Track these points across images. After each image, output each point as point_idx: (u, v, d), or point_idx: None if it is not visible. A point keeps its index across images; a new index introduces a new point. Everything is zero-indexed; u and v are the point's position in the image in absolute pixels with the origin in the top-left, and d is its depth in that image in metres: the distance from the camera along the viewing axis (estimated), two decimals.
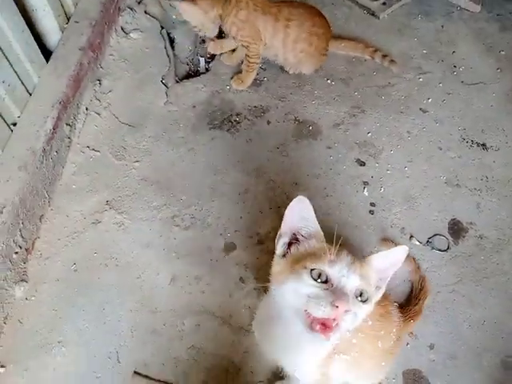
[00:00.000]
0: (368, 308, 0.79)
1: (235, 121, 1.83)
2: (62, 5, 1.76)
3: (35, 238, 1.49)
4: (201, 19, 1.78)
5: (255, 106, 1.88)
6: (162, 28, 2.08)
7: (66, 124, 1.64)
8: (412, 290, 1.39)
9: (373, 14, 2.26)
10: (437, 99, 1.93)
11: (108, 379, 1.28)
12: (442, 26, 2.22)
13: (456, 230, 1.58)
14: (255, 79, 1.94)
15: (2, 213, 1.32)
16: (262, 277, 1.37)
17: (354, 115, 1.87)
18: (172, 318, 1.38)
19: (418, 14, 2.27)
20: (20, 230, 1.40)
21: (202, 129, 1.80)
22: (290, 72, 1.93)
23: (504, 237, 1.57)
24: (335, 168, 1.72)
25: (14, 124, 1.51)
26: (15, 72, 1.50)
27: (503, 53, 2.10)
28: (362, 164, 1.73)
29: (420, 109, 1.90)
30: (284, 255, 0.86)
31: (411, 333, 1.35)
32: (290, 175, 1.69)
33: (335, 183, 1.68)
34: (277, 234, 0.88)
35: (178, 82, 1.95)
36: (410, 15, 2.27)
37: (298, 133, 1.81)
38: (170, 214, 1.58)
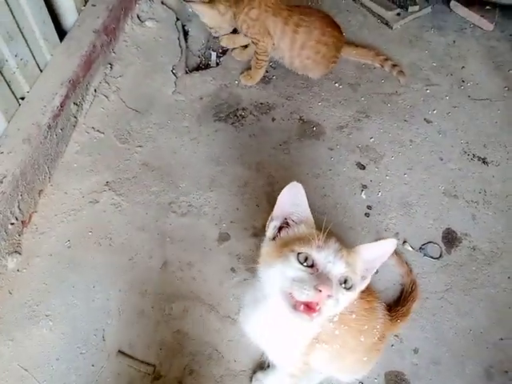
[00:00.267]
0: (351, 296, 0.80)
1: (240, 115, 1.85)
2: None
3: (32, 212, 1.51)
4: (218, 21, 1.82)
5: (262, 103, 1.90)
6: (177, 19, 2.11)
7: (74, 103, 1.66)
8: (402, 293, 1.40)
9: (386, 24, 2.29)
10: (442, 111, 1.95)
11: (92, 356, 1.29)
12: (454, 41, 2.24)
13: (450, 239, 1.58)
14: (264, 76, 1.96)
15: (2, 182, 1.34)
16: (253, 269, 1.38)
17: (358, 119, 1.88)
18: (160, 302, 1.39)
19: (431, 27, 2.30)
20: (18, 202, 1.42)
21: (207, 120, 1.82)
22: (299, 73, 1.96)
23: (497, 250, 1.57)
24: (335, 169, 1.73)
25: (23, 98, 1.53)
26: (29, 48, 1.53)
27: None
28: (362, 167, 1.74)
29: (424, 119, 1.92)
30: (274, 238, 0.87)
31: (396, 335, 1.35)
32: (289, 172, 1.70)
33: (334, 184, 1.69)
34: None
35: (187, 72, 1.97)
36: (423, 28, 2.29)
37: (301, 132, 1.83)
38: (167, 199, 1.59)
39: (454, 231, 1.61)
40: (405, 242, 1.56)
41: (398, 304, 1.33)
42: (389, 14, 2.30)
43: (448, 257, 1.54)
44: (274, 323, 0.89)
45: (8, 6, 1.39)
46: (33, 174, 1.47)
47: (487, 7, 2.34)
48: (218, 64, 2.04)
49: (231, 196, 1.63)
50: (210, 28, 1.86)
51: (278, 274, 0.80)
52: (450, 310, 1.44)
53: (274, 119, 1.86)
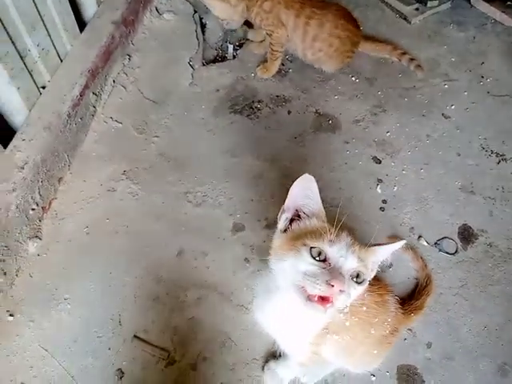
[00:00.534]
0: (362, 289, 0.80)
1: (256, 108, 1.86)
2: None
3: (52, 199, 1.54)
4: (230, 13, 1.83)
5: (277, 96, 1.90)
6: (195, 12, 2.13)
7: (93, 93, 1.69)
8: (416, 287, 1.39)
9: (405, 19, 2.27)
10: (460, 106, 1.93)
11: (108, 340, 1.31)
12: (474, 37, 2.21)
13: (466, 235, 1.57)
14: (280, 69, 1.96)
15: (23, 168, 1.37)
16: (266, 260, 1.38)
17: (375, 114, 1.87)
18: (175, 289, 1.41)
19: (450, 22, 2.27)
20: (39, 188, 1.45)
21: (223, 112, 1.83)
22: (315, 66, 1.95)
23: None
24: (351, 163, 1.73)
25: (44, 87, 1.56)
26: (50, 38, 1.56)
27: None
28: (378, 162, 1.74)
29: (442, 114, 1.90)
30: (285, 230, 0.86)
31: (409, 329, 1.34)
32: (304, 165, 1.70)
33: (349, 177, 1.69)
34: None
35: (204, 65, 1.98)
36: (442, 23, 2.27)
37: (317, 125, 1.83)
38: (183, 189, 1.61)
39: (470, 227, 1.59)
40: (420, 236, 1.55)
41: (413, 298, 1.32)
42: (407, 9, 2.28)
43: (464, 253, 1.53)
44: (286, 313, 0.89)
45: None
46: (53, 162, 1.50)
47: (508, 3, 2.30)
48: (234, 57, 2.05)
49: (246, 187, 1.63)
50: (222, 20, 1.87)
51: (290, 268, 0.79)
52: (465, 306, 1.42)
53: (289, 112, 1.86)
